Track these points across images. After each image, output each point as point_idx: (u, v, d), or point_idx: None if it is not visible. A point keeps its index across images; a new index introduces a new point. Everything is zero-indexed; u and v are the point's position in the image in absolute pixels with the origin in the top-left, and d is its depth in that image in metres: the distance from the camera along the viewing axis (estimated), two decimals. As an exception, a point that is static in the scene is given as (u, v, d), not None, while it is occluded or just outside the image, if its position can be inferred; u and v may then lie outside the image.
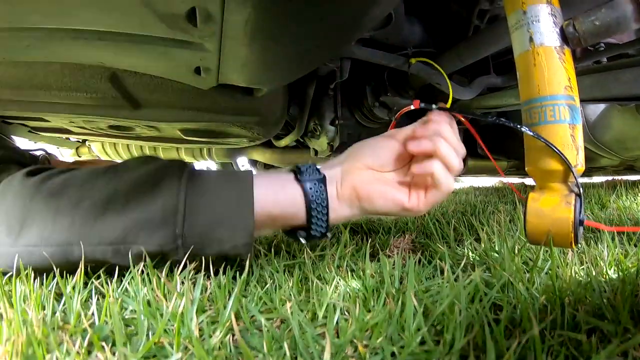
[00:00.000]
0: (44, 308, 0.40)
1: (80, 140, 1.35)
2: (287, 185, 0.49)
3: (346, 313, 0.40)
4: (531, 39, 0.38)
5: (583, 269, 0.56)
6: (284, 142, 1.24)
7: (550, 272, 0.51)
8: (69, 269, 0.46)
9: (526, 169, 0.42)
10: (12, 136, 0.99)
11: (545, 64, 0.38)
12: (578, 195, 0.40)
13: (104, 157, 1.43)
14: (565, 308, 0.37)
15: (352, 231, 0.88)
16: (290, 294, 0.45)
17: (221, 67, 0.51)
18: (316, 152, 1.24)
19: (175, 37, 0.43)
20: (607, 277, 0.54)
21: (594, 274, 0.53)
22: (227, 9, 0.37)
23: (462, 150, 0.48)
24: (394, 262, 0.51)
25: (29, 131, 1.03)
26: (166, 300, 0.40)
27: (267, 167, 2.26)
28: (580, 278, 0.51)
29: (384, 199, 0.50)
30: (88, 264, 0.45)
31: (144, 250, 0.44)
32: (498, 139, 1.35)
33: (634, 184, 2.18)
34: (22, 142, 1.22)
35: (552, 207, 0.40)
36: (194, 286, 0.43)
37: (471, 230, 0.89)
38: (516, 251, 0.60)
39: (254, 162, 2.25)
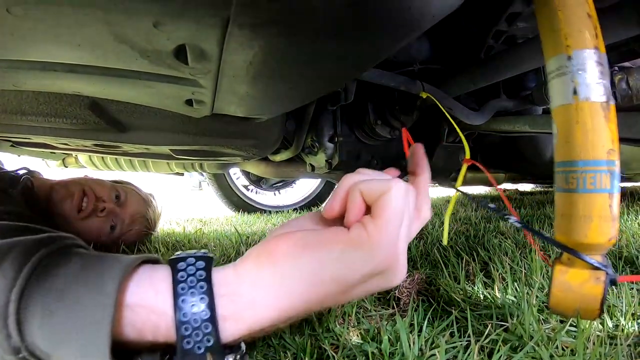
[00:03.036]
0: None
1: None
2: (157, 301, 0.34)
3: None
4: (575, 92, 0.33)
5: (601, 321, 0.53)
6: (279, 158, 1.18)
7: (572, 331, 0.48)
8: None
9: (555, 236, 0.38)
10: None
11: (589, 122, 0.33)
12: (607, 271, 0.36)
13: (91, 169, 1.36)
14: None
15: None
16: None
17: (217, 100, 0.45)
18: (313, 168, 1.18)
19: (161, 73, 0.37)
20: (625, 332, 0.51)
21: (610, 325, 0.50)
22: (227, 48, 0.32)
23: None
24: (412, 322, 0.46)
25: (12, 145, 0.98)
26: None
27: (260, 179, 2.21)
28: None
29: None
30: None
31: None
32: (500, 155, 1.33)
33: (632, 196, 2.16)
34: (5, 157, 1.17)
35: (581, 282, 0.36)
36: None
37: (477, 257, 0.86)
38: (533, 300, 0.56)
39: (246, 173, 2.19)
